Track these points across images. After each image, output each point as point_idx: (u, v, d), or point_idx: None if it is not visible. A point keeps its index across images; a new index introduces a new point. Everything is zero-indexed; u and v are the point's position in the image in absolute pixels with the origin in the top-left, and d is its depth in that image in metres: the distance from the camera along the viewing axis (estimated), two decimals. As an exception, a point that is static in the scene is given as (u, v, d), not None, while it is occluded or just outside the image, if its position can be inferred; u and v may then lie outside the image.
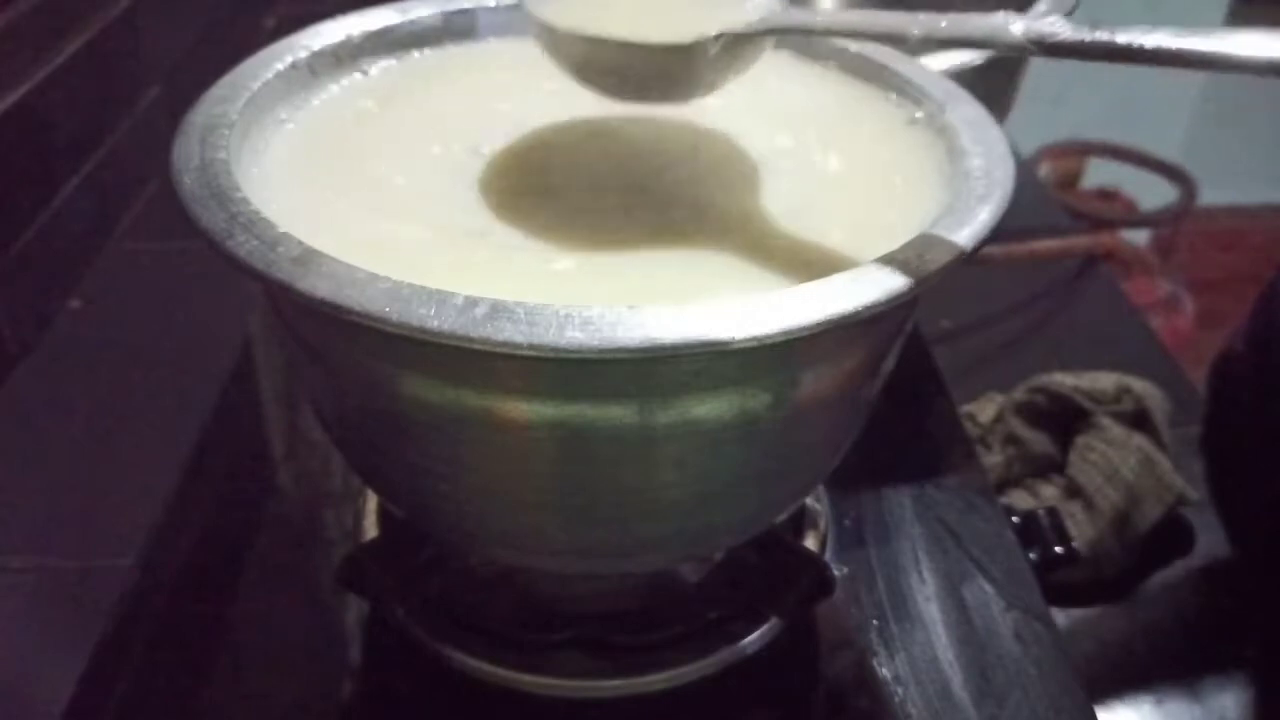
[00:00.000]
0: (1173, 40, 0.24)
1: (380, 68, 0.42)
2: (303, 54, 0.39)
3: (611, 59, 0.33)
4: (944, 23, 0.30)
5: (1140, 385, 0.64)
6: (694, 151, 0.39)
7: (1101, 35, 0.26)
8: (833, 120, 0.40)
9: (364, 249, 0.29)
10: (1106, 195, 1.66)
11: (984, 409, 0.67)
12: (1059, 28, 0.26)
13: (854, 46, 0.41)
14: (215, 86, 0.36)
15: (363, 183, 0.36)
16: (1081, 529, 0.58)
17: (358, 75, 0.41)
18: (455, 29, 0.44)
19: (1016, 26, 0.27)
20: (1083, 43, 0.26)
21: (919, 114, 0.38)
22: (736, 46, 0.33)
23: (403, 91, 0.41)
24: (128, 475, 0.48)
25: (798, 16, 0.33)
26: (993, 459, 0.63)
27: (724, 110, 0.40)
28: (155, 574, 0.44)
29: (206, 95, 0.35)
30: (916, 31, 0.29)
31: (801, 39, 0.43)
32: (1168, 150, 1.78)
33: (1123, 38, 0.25)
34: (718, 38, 0.32)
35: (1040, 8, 0.48)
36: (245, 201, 0.29)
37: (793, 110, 0.41)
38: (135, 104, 0.67)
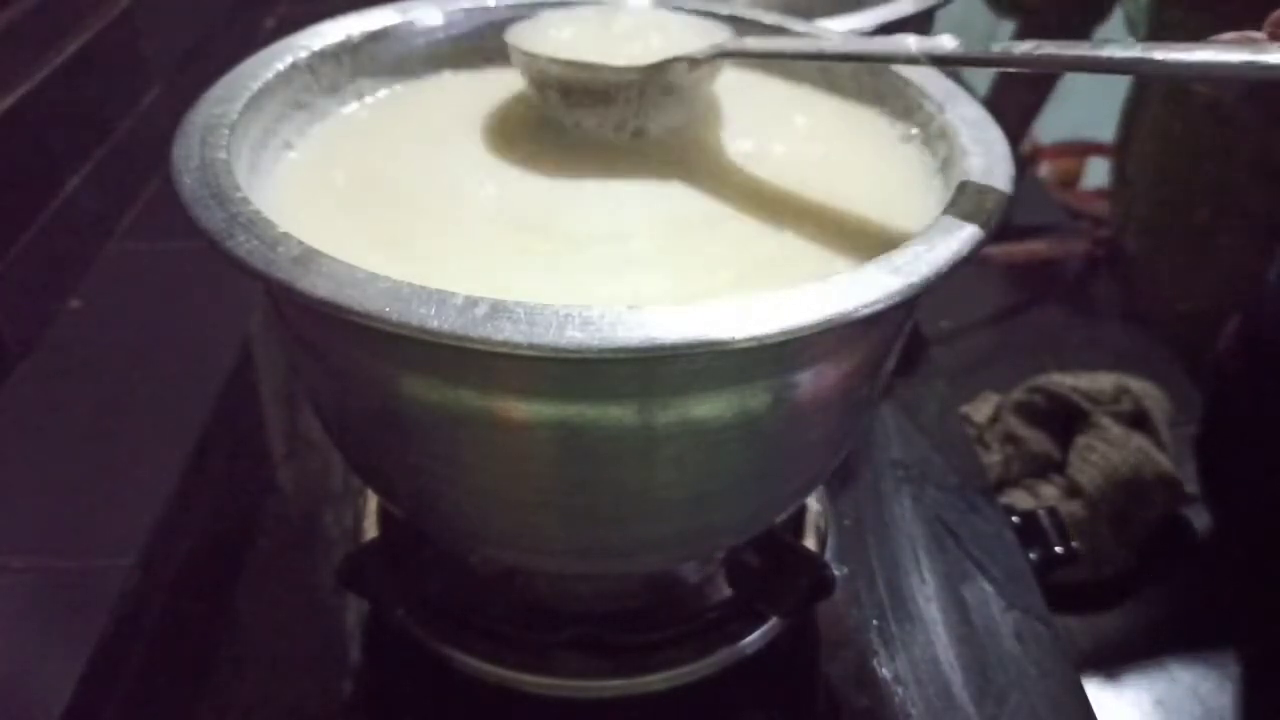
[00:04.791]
0: (1036, 49, 0.28)
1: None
2: (303, 54, 0.39)
3: (578, 79, 0.37)
4: (856, 43, 0.39)
5: (1139, 385, 0.64)
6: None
7: (976, 49, 0.31)
8: (832, 121, 0.40)
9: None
10: (1106, 195, 1.65)
11: (979, 409, 0.67)
12: (945, 44, 0.32)
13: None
14: (215, 86, 0.36)
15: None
16: (1081, 529, 0.58)
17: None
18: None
19: (912, 43, 0.33)
20: (964, 56, 0.31)
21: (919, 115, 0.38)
22: (692, 69, 0.37)
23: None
24: (128, 475, 0.48)
25: (741, 43, 0.38)
26: (991, 458, 0.63)
27: (725, 106, 0.40)
28: (155, 574, 0.44)
29: (206, 95, 0.35)
30: (830, 49, 0.37)
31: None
32: (1167, 150, 1.78)
33: (996, 49, 0.30)
34: (675, 61, 0.36)
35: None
36: (245, 201, 0.29)
37: (793, 112, 0.41)
38: (135, 104, 0.67)
